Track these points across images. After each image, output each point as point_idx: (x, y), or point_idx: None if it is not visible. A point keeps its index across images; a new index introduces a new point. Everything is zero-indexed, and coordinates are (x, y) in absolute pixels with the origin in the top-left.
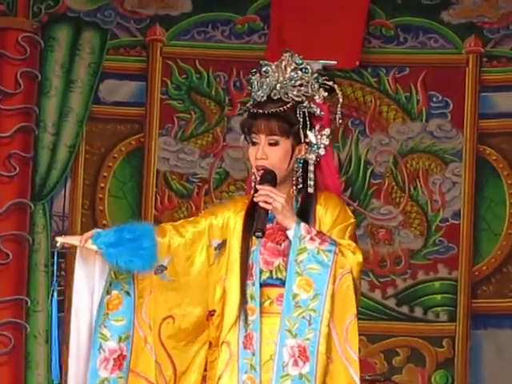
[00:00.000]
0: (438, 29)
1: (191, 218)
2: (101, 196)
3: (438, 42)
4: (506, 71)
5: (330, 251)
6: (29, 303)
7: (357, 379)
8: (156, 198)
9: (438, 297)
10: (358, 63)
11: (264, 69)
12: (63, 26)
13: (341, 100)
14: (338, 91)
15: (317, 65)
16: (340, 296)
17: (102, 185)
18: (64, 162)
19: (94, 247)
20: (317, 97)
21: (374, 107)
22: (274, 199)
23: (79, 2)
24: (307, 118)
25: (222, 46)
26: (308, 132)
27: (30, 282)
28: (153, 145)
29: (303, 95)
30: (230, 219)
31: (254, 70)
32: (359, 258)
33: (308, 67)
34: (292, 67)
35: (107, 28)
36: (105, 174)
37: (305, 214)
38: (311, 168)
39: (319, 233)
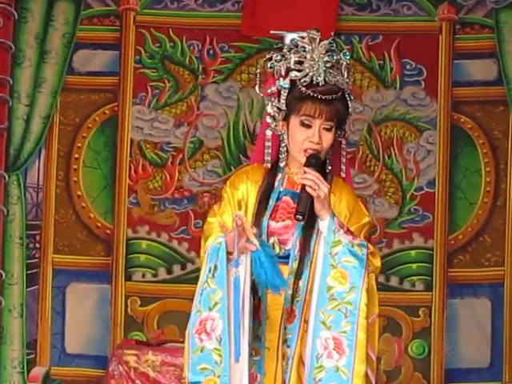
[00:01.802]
0: None
1: (222, 210)
2: (75, 167)
3: (411, 10)
4: (479, 38)
5: (363, 246)
6: (3, 276)
7: (373, 380)
8: (130, 167)
9: (414, 266)
10: (332, 33)
11: (300, 44)
12: None
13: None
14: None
15: (292, 36)
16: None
17: (77, 155)
18: (38, 132)
19: (256, 242)
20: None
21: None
22: (319, 187)
23: None
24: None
25: (195, 14)
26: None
27: (4, 255)
28: (126, 114)
29: (346, 82)
30: (247, 192)
31: (290, 46)
32: (378, 262)
33: (342, 53)
34: (326, 49)
35: None
36: (79, 144)
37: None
38: (344, 153)
39: (349, 229)
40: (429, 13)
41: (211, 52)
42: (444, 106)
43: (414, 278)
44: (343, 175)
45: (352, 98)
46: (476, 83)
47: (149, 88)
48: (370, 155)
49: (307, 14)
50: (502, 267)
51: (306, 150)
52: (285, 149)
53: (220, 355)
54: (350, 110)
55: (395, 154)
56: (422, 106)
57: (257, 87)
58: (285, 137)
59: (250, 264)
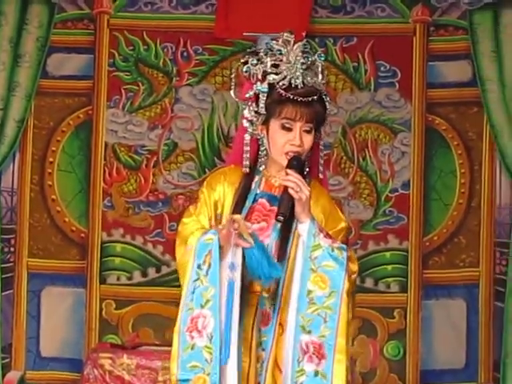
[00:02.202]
0: None
1: (198, 210)
2: (50, 171)
3: (385, 12)
4: (453, 40)
5: (343, 249)
6: None
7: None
8: (104, 170)
9: (389, 267)
10: (304, 34)
11: (276, 48)
12: (10, 0)
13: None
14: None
15: (266, 38)
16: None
17: (51, 159)
18: (12, 136)
19: (251, 240)
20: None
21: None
22: (301, 189)
23: None
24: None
25: (169, 16)
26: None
27: None
28: (101, 117)
29: (323, 83)
30: (223, 193)
31: (266, 50)
32: (355, 267)
33: (318, 54)
34: (301, 50)
35: (54, 1)
36: (53, 148)
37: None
38: (322, 154)
39: (328, 233)
40: (403, 15)
41: (185, 54)
42: (418, 108)
43: (389, 279)
44: (321, 176)
45: (329, 99)
46: (450, 85)
47: (123, 91)
48: (344, 157)
49: (280, 15)
50: (476, 268)
51: (287, 153)
52: (264, 152)
53: (210, 353)
54: (327, 111)
55: (370, 156)
56: (397, 108)
57: (232, 92)
58: (264, 141)
59: (243, 267)
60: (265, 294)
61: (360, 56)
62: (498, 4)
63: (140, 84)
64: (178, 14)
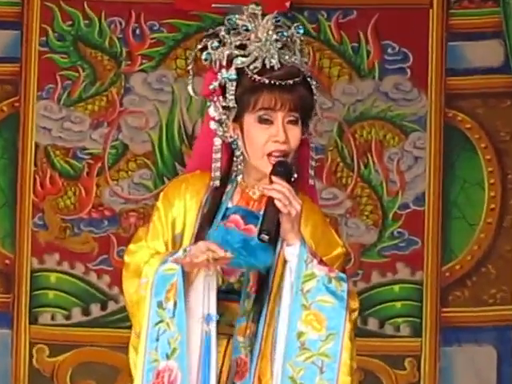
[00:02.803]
0: None
1: (152, 233)
2: None
3: None
4: (479, 14)
5: (342, 279)
6: None
7: None
8: (35, 179)
9: (398, 304)
10: (288, 4)
11: (240, 24)
12: None
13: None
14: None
15: (239, 11)
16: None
17: None
18: None
19: (229, 254)
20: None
21: (312, 62)
22: (291, 202)
23: None
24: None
25: None
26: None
27: None
28: (30, 111)
29: (305, 62)
30: (184, 207)
31: (227, 27)
32: (356, 303)
33: (294, 27)
34: (273, 24)
35: None
36: None
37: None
38: (313, 154)
39: (322, 258)
40: None
41: (138, 32)
42: (436, 101)
43: (399, 320)
44: (311, 183)
45: (315, 82)
46: (476, 71)
47: (58, 78)
48: (341, 164)
49: None
50: (510, 305)
51: (270, 154)
52: (241, 158)
53: None
54: (315, 97)
55: (373, 163)
56: (408, 101)
57: (189, 87)
58: (239, 143)
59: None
60: (239, 338)
61: (361, 34)
62: None
63: (80, 69)
64: None
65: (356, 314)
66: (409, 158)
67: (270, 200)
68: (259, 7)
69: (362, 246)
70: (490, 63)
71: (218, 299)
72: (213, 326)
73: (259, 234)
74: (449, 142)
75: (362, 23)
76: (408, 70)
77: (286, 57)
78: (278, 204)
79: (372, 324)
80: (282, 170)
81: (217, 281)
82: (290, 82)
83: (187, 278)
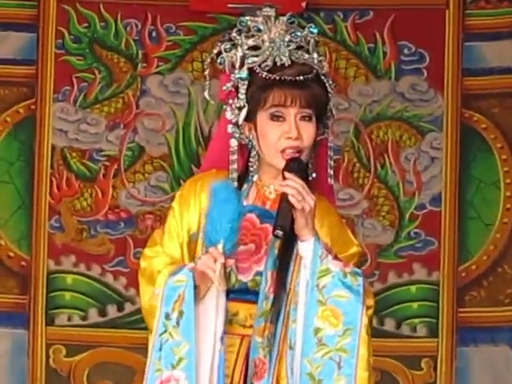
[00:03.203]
0: None
1: (166, 237)
2: None
3: None
4: (496, 14)
5: (358, 274)
6: None
7: None
8: (51, 181)
9: (415, 305)
10: (304, 4)
11: (253, 25)
12: None
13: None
14: (324, 61)
15: (255, 11)
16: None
17: None
18: None
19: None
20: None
21: (328, 62)
22: (304, 198)
23: None
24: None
25: None
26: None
27: None
28: (46, 113)
29: (319, 61)
30: (200, 208)
31: (238, 28)
32: (371, 301)
33: (308, 27)
34: (286, 25)
35: None
36: None
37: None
38: (331, 153)
39: (337, 254)
40: None
41: (154, 34)
42: (452, 101)
43: (415, 320)
44: (331, 182)
45: (331, 81)
46: (493, 71)
47: (74, 80)
48: (358, 164)
49: None
50: None
51: (283, 151)
52: (256, 158)
53: None
54: (330, 95)
55: (390, 163)
56: (424, 102)
57: (206, 93)
58: (254, 142)
59: None
60: (258, 339)
61: (377, 35)
62: None
63: (96, 71)
64: None
65: (371, 311)
66: (425, 159)
67: (284, 196)
68: (273, 9)
69: (379, 246)
70: (506, 63)
71: (231, 299)
72: (223, 346)
73: (274, 229)
74: (465, 143)
75: (378, 24)
76: (424, 71)
77: (298, 55)
78: (292, 199)
79: (389, 324)
80: (296, 166)
81: (227, 285)
82: (301, 78)
83: (198, 292)
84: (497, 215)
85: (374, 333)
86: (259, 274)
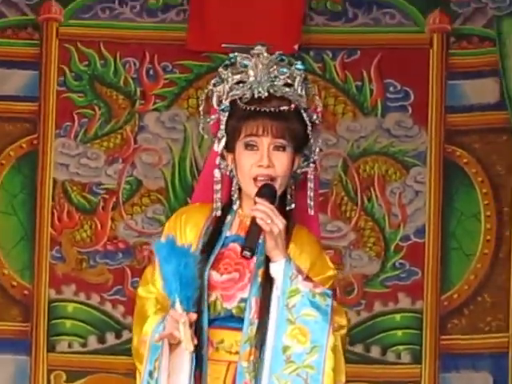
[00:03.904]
0: (395, 2)
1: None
2: None
3: (394, 19)
4: (477, 54)
5: (327, 295)
6: None
7: None
8: (53, 213)
9: (399, 333)
10: (297, 47)
11: (240, 61)
12: None
13: (320, 108)
14: (317, 98)
15: (247, 51)
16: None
17: None
18: None
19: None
20: (306, 100)
21: None
22: (273, 221)
23: None
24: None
25: (131, 25)
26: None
27: None
28: (48, 148)
29: (300, 96)
30: (185, 239)
31: (226, 63)
32: (343, 320)
33: (295, 64)
34: (275, 62)
35: None
36: None
37: None
38: (311, 185)
39: (308, 275)
40: (416, 22)
41: (151, 72)
42: (436, 137)
43: (400, 347)
44: (311, 212)
45: (314, 116)
46: (474, 108)
47: (75, 116)
48: (345, 197)
49: (267, 22)
50: (505, 333)
51: (255, 179)
52: (236, 187)
53: None
54: (308, 129)
55: (376, 196)
56: (409, 137)
57: (200, 127)
58: (234, 172)
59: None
60: (243, 363)
61: (364, 73)
62: None
63: (96, 108)
64: (142, 23)
65: (345, 330)
66: (410, 192)
67: (254, 219)
68: (264, 47)
69: (365, 276)
70: (487, 100)
71: (217, 326)
72: None
73: (242, 250)
74: (448, 177)
75: (365, 62)
76: (409, 108)
77: (277, 88)
78: (260, 222)
79: (375, 351)
80: (266, 191)
81: (209, 317)
82: (275, 109)
83: (173, 347)
84: (477, 246)
85: (361, 359)
86: (243, 300)
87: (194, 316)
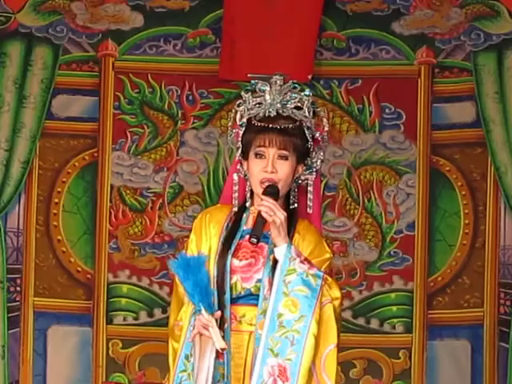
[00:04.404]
0: (390, 40)
1: None
2: (55, 211)
3: (389, 53)
4: (457, 82)
5: (318, 276)
6: None
7: None
8: (110, 212)
9: (394, 308)
10: (310, 77)
11: (259, 87)
12: (15, 41)
13: (326, 127)
14: (324, 119)
15: (279, 78)
16: (322, 324)
17: (56, 200)
18: (18, 177)
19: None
20: (313, 120)
21: (326, 119)
22: (275, 213)
23: (31, 18)
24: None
25: (174, 59)
26: (311, 154)
27: None
28: (106, 160)
29: (305, 117)
30: (209, 234)
31: (248, 87)
32: (337, 293)
33: (304, 91)
34: (288, 89)
35: (59, 43)
36: (59, 189)
37: None
38: (311, 189)
39: (306, 258)
40: (407, 57)
41: (190, 98)
42: (423, 150)
43: (395, 320)
44: (309, 211)
45: (317, 134)
46: (455, 126)
47: (128, 134)
48: (349, 199)
49: (285, 57)
50: (481, 308)
51: (262, 182)
52: (249, 188)
53: None
54: (309, 144)
55: (375, 198)
56: (402, 150)
57: (229, 140)
58: (248, 176)
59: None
60: (259, 331)
61: (365, 98)
62: (502, 45)
63: (145, 127)
64: (183, 58)
65: (338, 301)
66: (402, 194)
67: (259, 213)
68: (281, 77)
69: (366, 262)
70: (464, 119)
71: (240, 304)
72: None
73: (250, 237)
74: (433, 182)
75: (365, 89)
76: (401, 126)
77: (285, 109)
78: (264, 215)
79: (374, 323)
80: (270, 190)
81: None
82: (280, 126)
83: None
84: (458, 238)
85: (363, 330)
86: (259, 281)
87: (218, 314)
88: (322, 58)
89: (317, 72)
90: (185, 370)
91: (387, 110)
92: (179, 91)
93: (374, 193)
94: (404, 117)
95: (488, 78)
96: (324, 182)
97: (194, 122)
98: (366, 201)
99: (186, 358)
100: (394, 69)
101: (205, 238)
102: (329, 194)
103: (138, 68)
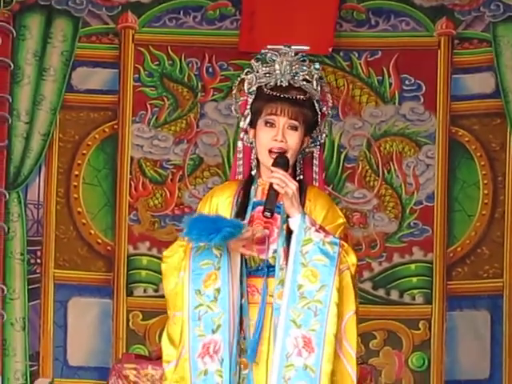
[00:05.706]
0: (410, 11)
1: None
2: (75, 184)
3: (409, 25)
4: (477, 53)
5: (335, 244)
6: (5, 291)
7: (354, 376)
8: (130, 184)
9: (414, 279)
10: (330, 49)
11: (269, 57)
12: (35, 14)
13: (330, 103)
14: (329, 95)
15: (289, 50)
16: (341, 291)
17: (77, 172)
18: (38, 150)
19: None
20: (320, 95)
21: (346, 91)
22: (287, 184)
23: None
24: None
25: (193, 32)
26: (318, 127)
27: (5, 270)
28: (126, 132)
29: (314, 89)
30: (218, 206)
31: (257, 57)
32: (353, 259)
33: (313, 64)
34: (298, 61)
35: (79, 16)
36: (79, 161)
37: None
38: (316, 162)
39: (321, 226)
40: (427, 28)
41: (210, 70)
42: (443, 121)
43: (414, 291)
44: (315, 184)
45: (324, 108)
46: (474, 97)
47: (148, 106)
48: (369, 170)
49: (305, 28)
50: (500, 279)
51: (270, 151)
52: (255, 157)
53: (221, 375)
54: (318, 117)
55: (395, 169)
56: (421, 121)
57: (233, 108)
58: (254, 144)
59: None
60: (278, 301)
61: (385, 70)
62: None
63: (165, 99)
64: (202, 30)
65: (354, 267)
66: (422, 166)
67: (271, 185)
68: (290, 48)
69: (386, 234)
70: (484, 91)
71: (259, 276)
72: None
73: (263, 211)
74: (452, 152)
75: (385, 61)
76: (421, 97)
77: (296, 81)
78: (276, 187)
79: (394, 295)
80: (280, 161)
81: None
82: (292, 96)
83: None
84: (477, 208)
85: (383, 301)
86: (276, 251)
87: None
88: (341, 29)
89: (336, 44)
90: (201, 304)
91: (407, 82)
92: (199, 63)
93: (393, 164)
94: (424, 88)
95: (507, 49)
96: (344, 154)
97: (213, 94)
98: (385, 172)
99: (197, 293)
100: (414, 40)
101: (208, 209)
102: (348, 165)
103: (158, 40)
